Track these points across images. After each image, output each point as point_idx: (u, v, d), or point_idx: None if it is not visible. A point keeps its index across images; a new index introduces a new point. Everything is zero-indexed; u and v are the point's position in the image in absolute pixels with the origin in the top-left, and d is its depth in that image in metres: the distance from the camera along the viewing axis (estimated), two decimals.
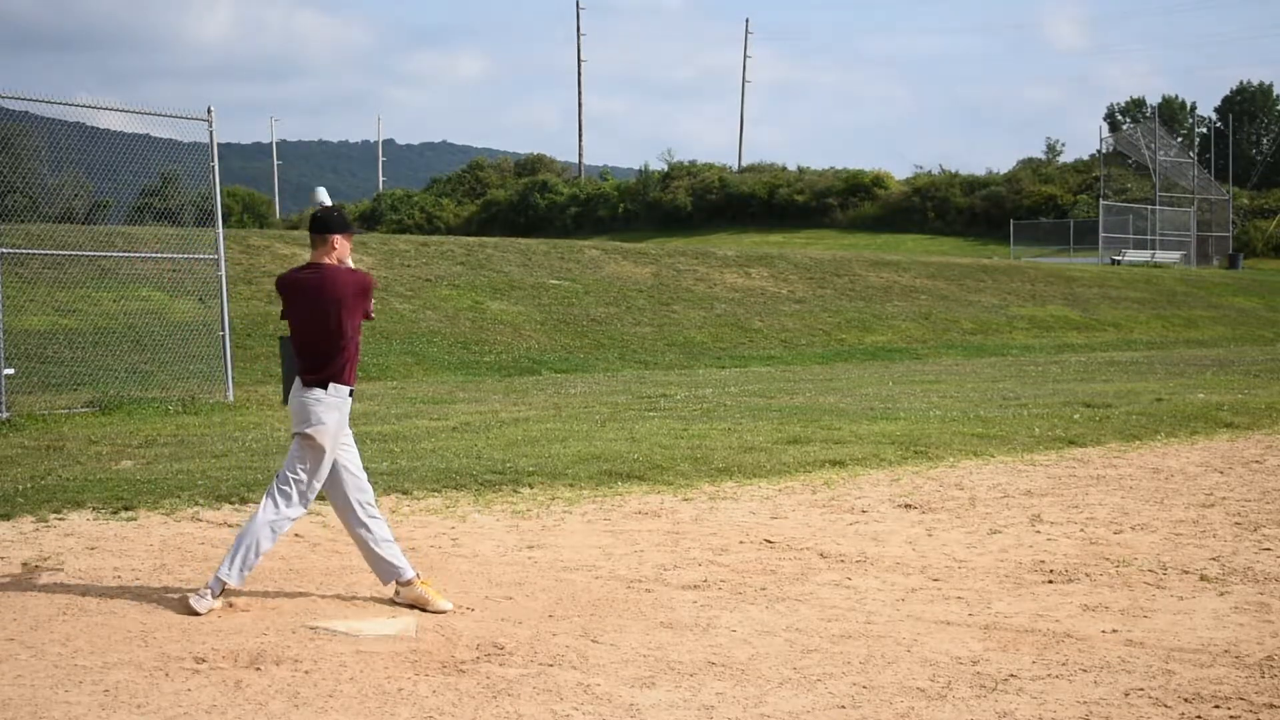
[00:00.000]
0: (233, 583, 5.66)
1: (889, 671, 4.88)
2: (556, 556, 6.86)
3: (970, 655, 5.08)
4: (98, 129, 14.85)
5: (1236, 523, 7.85)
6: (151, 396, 13.95)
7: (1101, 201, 53.22)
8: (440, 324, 21.91)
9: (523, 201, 75.72)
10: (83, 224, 16.73)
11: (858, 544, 7.22)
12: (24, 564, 6.53)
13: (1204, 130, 79.78)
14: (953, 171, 72.10)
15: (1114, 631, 5.44)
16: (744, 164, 79.98)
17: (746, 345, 24.55)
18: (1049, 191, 65.67)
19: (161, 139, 15.58)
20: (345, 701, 4.51)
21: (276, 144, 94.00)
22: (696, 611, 5.75)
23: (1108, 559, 6.82)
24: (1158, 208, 53.29)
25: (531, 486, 8.87)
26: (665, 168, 77.22)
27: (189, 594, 5.72)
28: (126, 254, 17.25)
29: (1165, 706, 4.49)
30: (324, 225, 5.79)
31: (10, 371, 12.83)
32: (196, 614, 5.52)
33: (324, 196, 5.96)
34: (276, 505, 5.75)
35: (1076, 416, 13.06)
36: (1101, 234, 49.67)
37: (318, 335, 5.75)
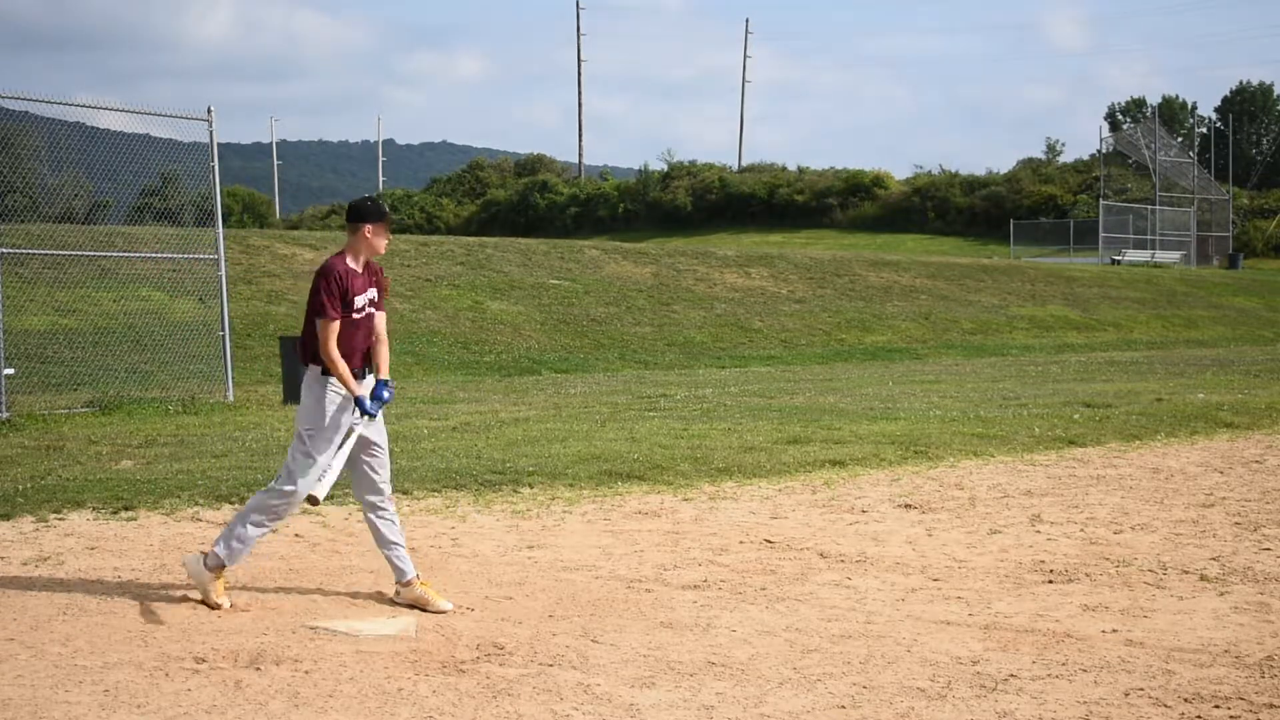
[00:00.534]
0: (220, 553, 5.74)
1: (889, 671, 4.88)
2: (556, 556, 6.86)
3: (970, 655, 5.09)
4: (97, 129, 14.85)
5: (1236, 523, 7.85)
6: (151, 396, 13.95)
7: (1101, 201, 53.21)
8: (440, 324, 21.92)
9: (523, 201, 75.69)
10: (83, 224, 16.71)
11: (858, 544, 7.22)
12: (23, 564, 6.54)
13: (1204, 130, 79.68)
14: (953, 171, 72.17)
15: (1114, 631, 5.44)
16: (744, 164, 79.95)
17: (746, 345, 24.56)
18: (1049, 191, 65.64)
19: (161, 139, 15.58)
20: (345, 701, 4.52)
21: (276, 144, 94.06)
22: (696, 611, 5.75)
23: (1108, 559, 6.82)
24: (1158, 208, 53.29)
25: (531, 486, 8.87)
26: (665, 168, 77.23)
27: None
28: (126, 254, 17.24)
29: (1165, 706, 4.49)
30: (354, 214, 5.89)
31: (10, 371, 12.82)
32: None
33: None
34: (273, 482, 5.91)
35: (1076, 416, 13.06)
36: (1101, 234, 49.67)
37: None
